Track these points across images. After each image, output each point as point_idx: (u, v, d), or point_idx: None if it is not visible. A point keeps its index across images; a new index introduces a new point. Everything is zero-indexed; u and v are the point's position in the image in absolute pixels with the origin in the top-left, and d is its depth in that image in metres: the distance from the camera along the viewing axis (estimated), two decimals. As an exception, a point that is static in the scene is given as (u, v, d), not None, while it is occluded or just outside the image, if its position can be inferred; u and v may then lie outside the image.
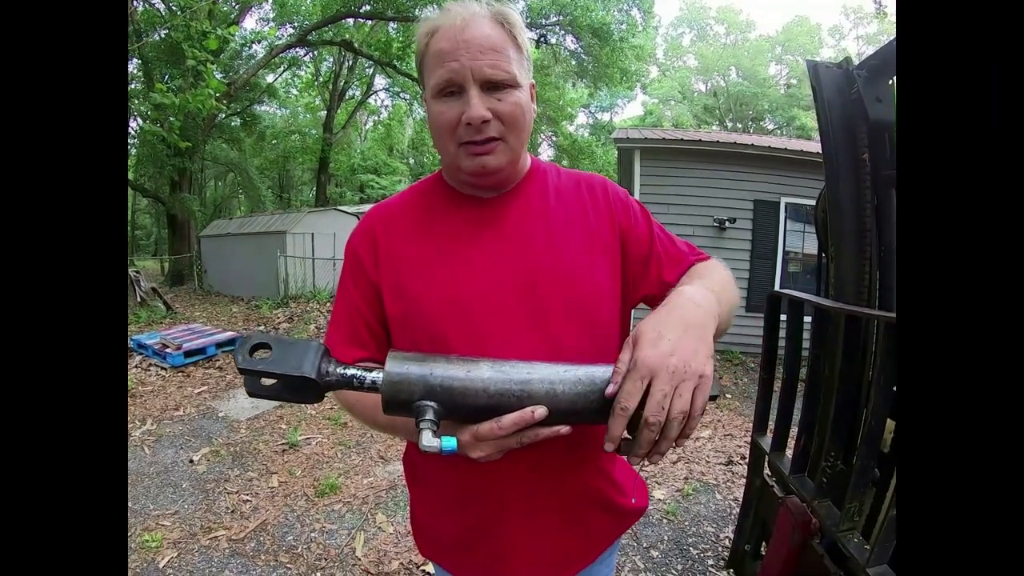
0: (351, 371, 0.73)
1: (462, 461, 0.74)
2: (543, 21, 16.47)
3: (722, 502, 3.23)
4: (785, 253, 7.27)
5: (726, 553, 2.56)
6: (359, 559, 2.62)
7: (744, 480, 2.20)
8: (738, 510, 2.30)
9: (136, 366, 5.87)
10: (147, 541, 2.68)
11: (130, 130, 14.37)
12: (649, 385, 0.65)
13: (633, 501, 1.02)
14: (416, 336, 0.85)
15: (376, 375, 0.72)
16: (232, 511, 3.07)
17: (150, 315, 9.25)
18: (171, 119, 8.99)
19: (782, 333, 1.85)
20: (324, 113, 24.34)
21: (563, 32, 16.90)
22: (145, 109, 10.29)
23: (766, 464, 1.95)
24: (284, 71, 21.82)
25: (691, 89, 35.78)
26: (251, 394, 0.74)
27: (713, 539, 2.83)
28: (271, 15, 17.53)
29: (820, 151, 1.72)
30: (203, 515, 3.01)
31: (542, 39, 16.83)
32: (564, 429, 0.71)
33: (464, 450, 0.71)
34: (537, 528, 0.90)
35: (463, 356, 0.73)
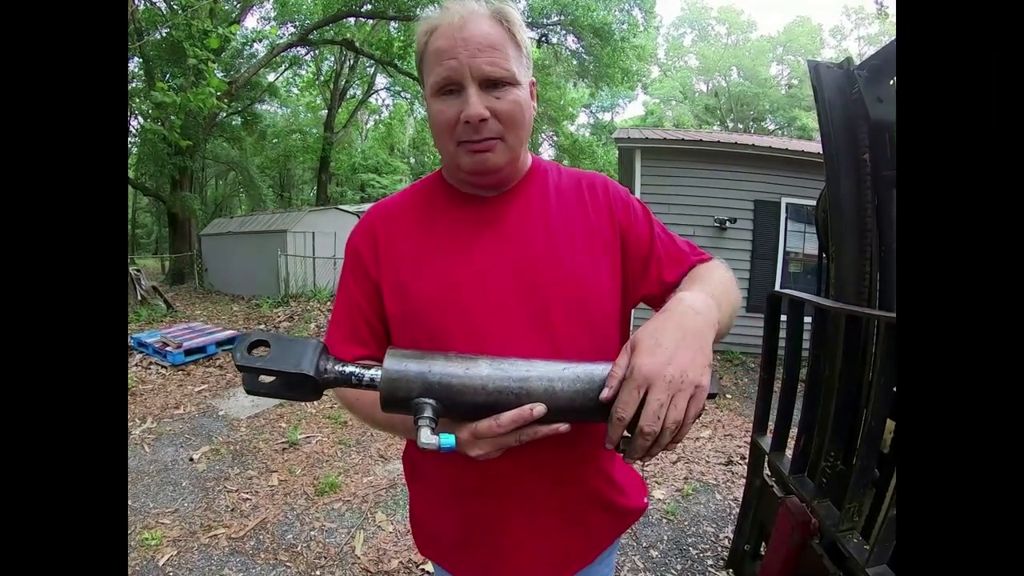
0: (349, 368, 0.73)
1: (461, 459, 0.74)
2: (544, 21, 16.47)
3: (722, 502, 3.23)
4: (786, 253, 7.26)
5: (725, 553, 2.56)
6: (359, 557, 2.62)
7: (744, 480, 2.20)
8: (738, 510, 2.30)
9: (136, 364, 5.87)
10: (147, 539, 2.68)
11: (131, 128, 14.37)
12: (646, 394, 0.65)
13: (636, 501, 1.02)
14: (416, 335, 0.85)
15: (374, 372, 0.72)
16: (232, 509, 3.07)
17: (151, 313, 9.25)
18: (172, 118, 8.99)
19: (782, 333, 1.85)
20: (325, 112, 24.33)
21: (564, 32, 16.90)
22: (146, 108, 10.30)
23: (766, 464, 1.95)
24: (285, 70, 21.83)
25: (692, 89, 35.76)
26: (249, 391, 0.73)
27: (713, 539, 2.83)
28: (272, 14, 17.54)
29: (821, 151, 1.72)
30: (203, 513, 3.01)
31: (543, 39, 16.83)
32: (563, 427, 0.71)
33: (463, 448, 0.71)
34: (536, 527, 0.90)
35: (462, 354, 0.73)
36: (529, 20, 16.04)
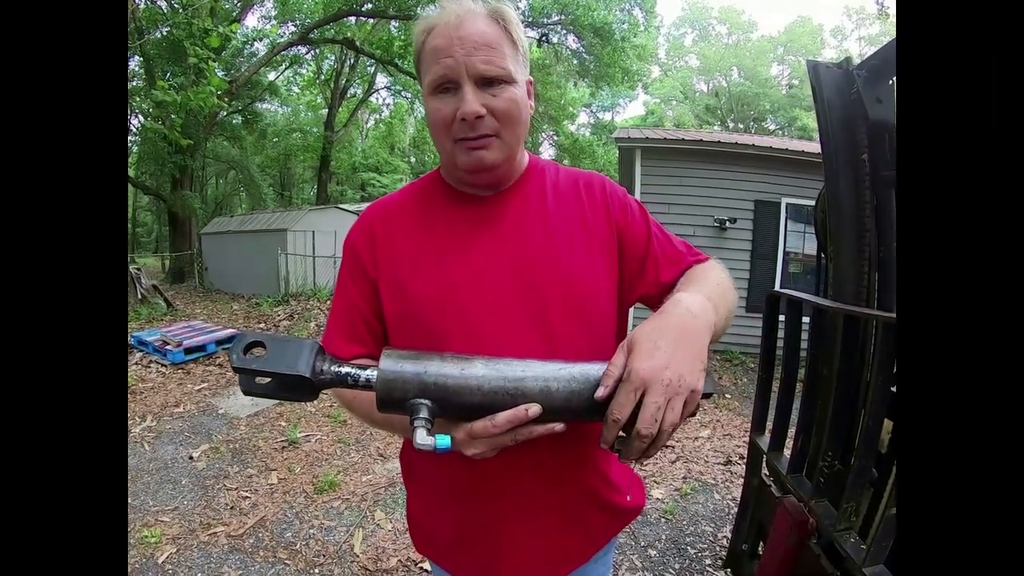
0: (345, 369, 0.73)
1: (457, 459, 0.74)
2: (544, 20, 16.46)
3: (720, 502, 3.23)
4: (786, 254, 7.26)
5: (723, 553, 2.56)
6: (357, 556, 2.63)
7: (742, 480, 2.20)
8: (736, 510, 2.30)
9: (137, 363, 5.88)
10: (146, 537, 2.69)
11: (132, 127, 14.39)
12: (642, 396, 0.65)
13: (629, 499, 1.02)
14: (414, 334, 0.85)
15: (370, 373, 0.72)
16: (231, 507, 3.07)
17: (151, 312, 9.26)
18: (172, 116, 9.01)
19: (781, 333, 1.85)
20: (325, 111, 24.35)
21: (565, 31, 16.88)
22: (147, 106, 10.32)
23: (764, 464, 1.95)
24: (286, 69, 21.82)
25: (693, 89, 35.75)
26: (246, 393, 0.73)
27: (711, 539, 2.83)
28: (273, 13, 17.55)
29: (820, 152, 1.72)
30: (202, 511, 3.02)
31: (544, 38, 16.81)
32: (558, 427, 0.71)
33: (458, 448, 0.71)
34: (533, 526, 0.90)
35: (457, 354, 0.73)
36: (529, 19, 16.04)
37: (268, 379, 0.72)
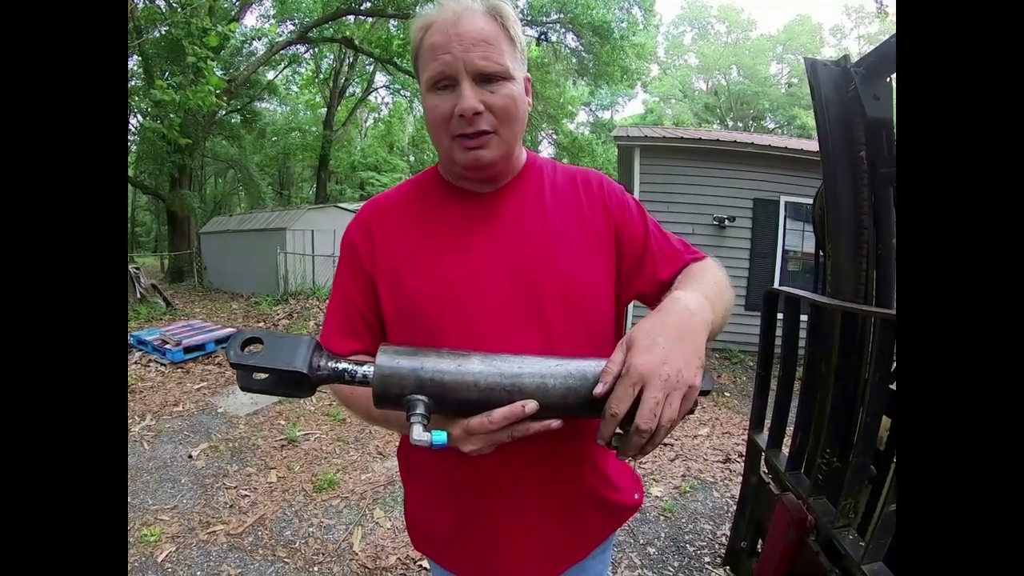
0: (342, 365, 0.73)
1: (453, 455, 0.74)
2: (543, 19, 16.45)
3: (719, 499, 3.24)
4: (784, 252, 7.27)
5: (722, 550, 2.57)
6: (356, 554, 2.63)
7: (741, 477, 2.20)
8: (735, 507, 2.30)
9: (136, 362, 5.87)
10: (146, 535, 2.69)
11: (130, 127, 14.37)
12: (641, 391, 0.66)
13: (628, 497, 1.02)
14: (411, 331, 0.85)
15: (367, 369, 0.72)
16: (230, 506, 3.07)
17: (150, 311, 9.25)
18: (171, 116, 9.00)
19: (779, 331, 1.85)
20: (324, 110, 24.33)
21: (564, 30, 16.87)
22: (145, 106, 10.30)
23: (763, 461, 1.95)
24: (284, 68, 21.80)
25: (692, 87, 35.75)
26: (243, 388, 0.73)
27: (710, 536, 2.84)
28: (271, 12, 17.52)
29: (819, 149, 1.72)
30: (201, 510, 3.02)
31: (543, 37, 16.80)
32: (555, 423, 0.72)
33: (455, 444, 0.72)
34: (530, 523, 0.90)
35: (454, 350, 0.73)
36: (528, 18, 16.02)
37: (265, 375, 0.72)
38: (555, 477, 0.90)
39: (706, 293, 0.80)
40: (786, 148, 7.16)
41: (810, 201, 2.10)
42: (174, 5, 12.21)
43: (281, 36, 16.84)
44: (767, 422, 1.96)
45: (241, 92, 17.76)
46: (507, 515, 0.89)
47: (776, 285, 6.92)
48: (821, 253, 1.85)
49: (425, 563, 2.51)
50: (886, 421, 1.47)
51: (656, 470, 3.60)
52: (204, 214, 18.72)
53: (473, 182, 0.90)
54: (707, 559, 2.63)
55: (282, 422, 4.39)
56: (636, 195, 1.03)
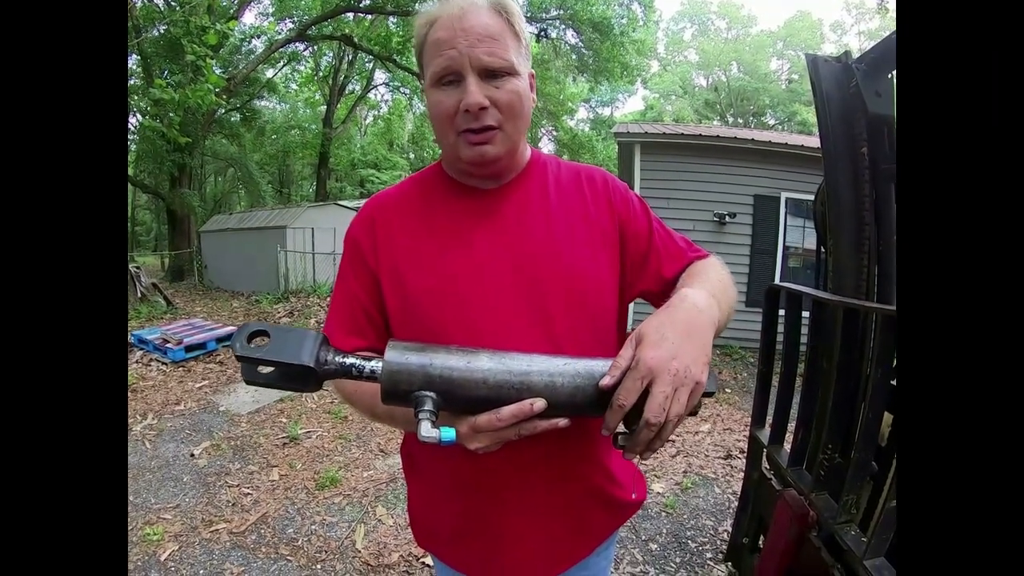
0: (350, 360, 0.73)
1: (459, 452, 0.74)
2: (543, 15, 16.41)
3: (721, 496, 3.24)
4: (785, 248, 7.26)
5: (724, 546, 2.57)
6: (359, 551, 2.64)
7: (743, 474, 2.21)
8: (736, 503, 2.31)
9: (137, 361, 5.88)
10: (149, 534, 2.70)
11: (130, 126, 14.35)
12: (649, 386, 0.66)
13: (632, 495, 1.02)
14: (414, 327, 0.85)
15: (375, 364, 0.72)
16: (233, 504, 3.08)
17: (151, 311, 9.25)
18: (171, 115, 8.99)
19: (781, 327, 1.86)
20: (324, 108, 24.28)
21: (563, 26, 16.83)
22: (145, 105, 10.29)
23: (764, 457, 1.96)
24: (284, 66, 21.75)
25: (692, 84, 35.68)
26: (248, 382, 0.73)
27: (711, 532, 2.84)
28: (270, 10, 17.49)
29: (820, 146, 1.71)
30: (204, 508, 3.02)
31: (542, 33, 16.76)
32: (562, 422, 0.72)
33: (462, 441, 0.71)
34: (535, 520, 0.90)
35: (463, 347, 0.73)
36: (528, 15, 15.97)
37: (271, 368, 0.71)
38: (561, 475, 0.90)
39: (712, 291, 0.80)
40: (787, 144, 7.15)
41: (811, 197, 2.10)
42: (173, 4, 12.20)
43: (280, 34, 16.79)
44: (769, 418, 1.96)
45: (240, 90, 17.71)
46: (513, 513, 0.89)
47: (777, 282, 6.90)
48: (822, 249, 1.86)
49: (428, 560, 2.52)
50: (888, 417, 1.47)
51: (658, 466, 3.60)
52: (204, 213, 18.69)
53: (477, 178, 0.90)
54: (709, 555, 2.64)
55: (284, 420, 4.40)
56: (636, 192, 1.03)
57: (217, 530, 2.80)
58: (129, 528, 2.77)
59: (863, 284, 1.65)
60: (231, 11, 15.59)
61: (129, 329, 6.94)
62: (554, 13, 16.30)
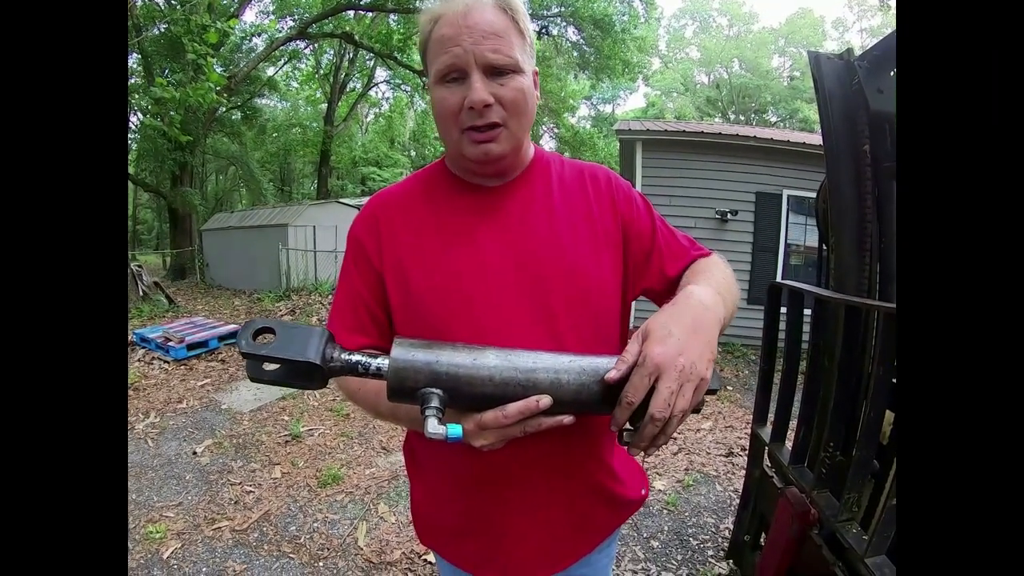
0: (356, 357, 0.72)
1: (463, 449, 0.74)
2: (545, 12, 16.37)
3: (722, 493, 3.25)
4: (787, 246, 7.25)
5: (726, 544, 2.58)
6: (361, 549, 2.64)
7: (744, 471, 2.21)
8: (738, 501, 2.31)
9: (139, 360, 5.89)
10: (151, 532, 2.71)
11: (131, 125, 14.37)
12: (656, 382, 0.66)
13: (636, 492, 1.03)
14: (418, 325, 0.85)
15: (382, 361, 0.72)
16: (235, 502, 3.09)
17: (152, 309, 9.27)
18: (172, 113, 8.99)
19: (783, 324, 1.85)
20: (325, 106, 24.24)
21: (565, 23, 16.79)
22: (146, 103, 10.24)
23: (766, 455, 1.96)
24: (284, 64, 21.74)
25: (694, 81, 35.62)
26: (253, 379, 0.73)
27: (713, 530, 2.84)
28: (271, 8, 17.45)
29: (822, 143, 1.71)
30: (206, 506, 3.03)
31: (544, 30, 16.73)
32: (567, 419, 0.72)
33: (467, 438, 0.71)
34: (538, 518, 0.91)
35: (469, 344, 0.73)
36: (530, 12, 15.78)
37: (276, 365, 0.71)
38: (565, 473, 0.90)
39: (718, 288, 0.81)
40: (788, 142, 7.13)
41: (813, 195, 2.10)
42: (173, 2, 12.18)
43: (281, 32, 16.79)
44: (770, 416, 1.96)
45: (241, 89, 17.71)
46: (516, 510, 0.90)
47: (779, 280, 6.90)
48: (824, 247, 1.85)
49: (430, 557, 2.53)
50: (889, 415, 1.47)
51: (659, 464, 3.61)
52: (205, 211, 18.70)
53: (481, 176, 0.90)
54: (710, 552, 2.64)
55: (286, 418, 4.41)
56: (638, 189, 1.03)
57: (219, 528, 2.81)
58: (132, 526, 2.78)
59: (865, 282, 1.65)
60: (232, 9, 15.58)
61: (131, 328, 6.96)
62: (555, 10, 16.27)
